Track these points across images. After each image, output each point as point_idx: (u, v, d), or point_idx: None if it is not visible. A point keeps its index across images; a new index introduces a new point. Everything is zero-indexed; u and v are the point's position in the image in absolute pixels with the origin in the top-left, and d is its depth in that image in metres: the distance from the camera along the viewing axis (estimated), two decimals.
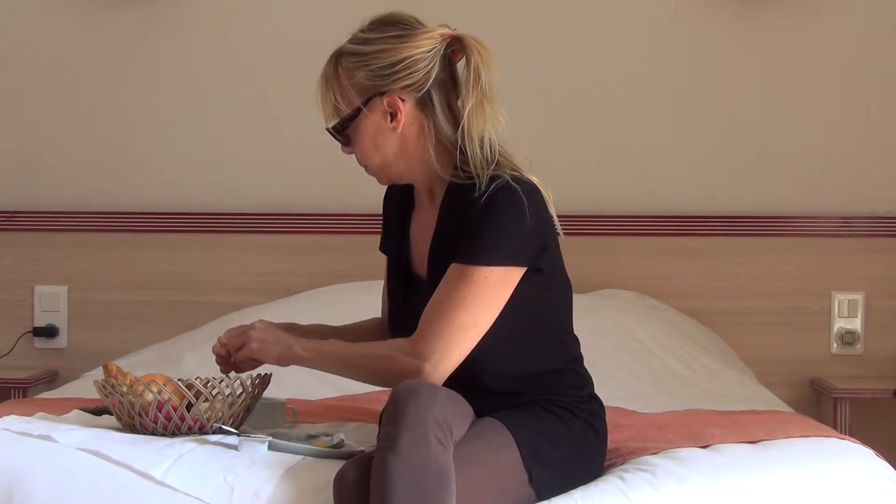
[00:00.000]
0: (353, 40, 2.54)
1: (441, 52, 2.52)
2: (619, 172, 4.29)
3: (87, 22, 4.35)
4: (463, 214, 2.47)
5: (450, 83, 2.54)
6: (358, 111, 2.52)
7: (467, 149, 2.49)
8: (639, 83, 4.30)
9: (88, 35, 4.36)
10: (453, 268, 2.45)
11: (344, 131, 2.55)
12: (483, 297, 2.43)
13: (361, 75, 2.51)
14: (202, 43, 4.35)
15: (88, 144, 4.36)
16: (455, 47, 2.54)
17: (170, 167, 4.35)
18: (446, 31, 2.54)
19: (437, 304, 2.44)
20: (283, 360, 2.57)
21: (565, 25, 4.30)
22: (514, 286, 2.46)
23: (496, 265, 2.44)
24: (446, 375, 2.43)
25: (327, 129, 2.58)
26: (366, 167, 2.59)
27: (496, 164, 2.49)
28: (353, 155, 2.59)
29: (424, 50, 2.50)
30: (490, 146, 2.50)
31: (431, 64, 2.51)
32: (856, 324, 4.24)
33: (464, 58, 2.53)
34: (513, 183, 2.45)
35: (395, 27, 2.52)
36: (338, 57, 2.54)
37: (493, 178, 2.47)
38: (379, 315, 2.83)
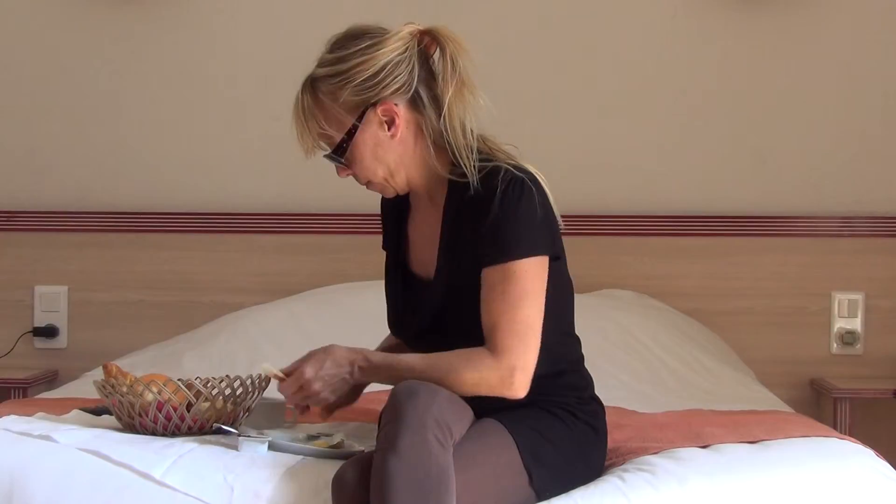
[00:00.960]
0: (322, 64, 2.51)
1: (415, 48, 2.51)
2: (619, 172, 4.29)
3: (87, 22, 4.35)
4: (473, 214, 2.46)
5: (430, 78, 2.53)
6: (354, 129, 2.50)
7: (450, 137, 2.48)
8: (639, 83, 4.30)
9: (88, 35, 4.36)
10: (491, 272, 2.44)
11: (343, 154, 2.53)
12: (532, 290, 2.43)
13: (347, 93, 2.48)
14: (202, 43, 4.35)
15: (88, 144, 4.36)
16: (426, 41, 2.53)
17: (170, 167, 4.35)
18: (413, 27, 2.53)
19: (495, 312, 2.42)
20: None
21: (566, 25, 4.30)
22: (546, 276, 2.46)
23: (529, 256, 2.43)
24: (531, 376, 2.43)
25: (326, 156, 2.55)
26: (368, 184, 2.57)
27: (482, 151, 2.49)
28: (352, 176, 2.57)
29: (400, 51, 2.49)
30: (471, 132, 2.50)
31: (412, 62, 2.50)
32: (856, 324, 4.24)
33: (437, 50, 2.53)
34: (518, 173, 2.46)
35: (362, 38, 2.49)
36: (312, 84, 2.52)
37: (494, 171, 2.46)
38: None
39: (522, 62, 4.23)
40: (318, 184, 4.23)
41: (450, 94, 2.48)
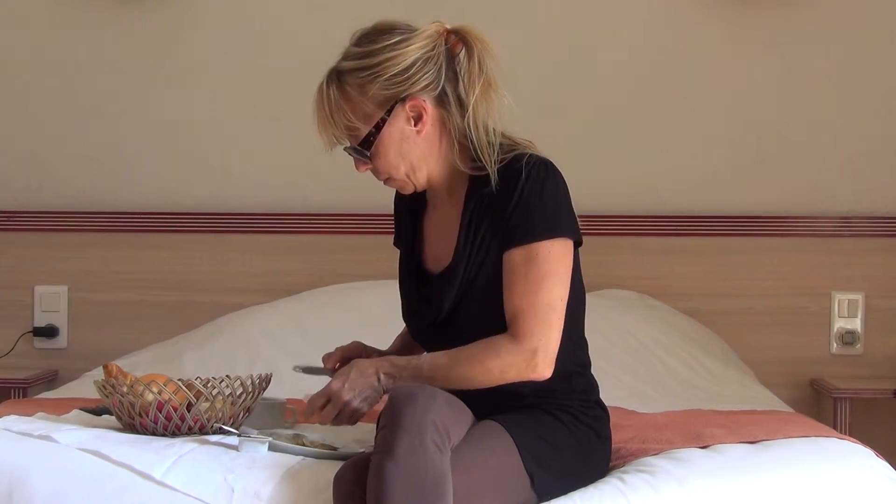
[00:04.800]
0: (350, 57, 2.50)
1: (443, 46, 2.52)
2: (619, 172, 4.29)
3: (88, 22, 4.35)
4: (496, 202, 2.47)
5: (455, 77, 2.54)
6: (382, 123, 2.49)
7: (473, 136, 2.50)
8: (639, 83, 4.30)
9: (89, 35, 4.36)
10: (514, 254, 2.45)
11: (369, 148, 2.51)
12: (555, 272, 2.44)
13: (377, 87, 2.47)
14: (202, 43, 4.35)
15: (88, 144, 4.36)
16: (452, 41, 2.54)
17: (170, 167, 4.35)
18: (440, 26, 2.53)
19: (517, 295, 2.43)
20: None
21: (565, 26, 4.30)
22: (572, 260, 2.47)
23: (554, 238, 2.44)
24: (555, 356, 2.44)
25: (348, 149, 2.54)
26: (387, 179, 2.56)
27: (503, 147, 2.51)
28: (370, 170, 2.55)
29: (429, 49, 2.49)
30: (494, 131, 2.51)
31: (440, 61, 2.50)
32: (856, 324, 4.24)
33: (462, 50, 2.53)
34: (541, 156, 2.49)
35: (392, 34, 2.50)
36: (339, 77, 2.50)
37: (517, 157, 2.48)
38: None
39: (520, 62, 4.21)
40: (317, 184, 4.25)
41: (476, 93, 2.50)
